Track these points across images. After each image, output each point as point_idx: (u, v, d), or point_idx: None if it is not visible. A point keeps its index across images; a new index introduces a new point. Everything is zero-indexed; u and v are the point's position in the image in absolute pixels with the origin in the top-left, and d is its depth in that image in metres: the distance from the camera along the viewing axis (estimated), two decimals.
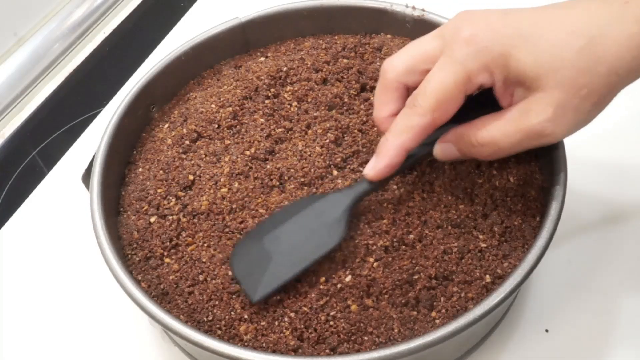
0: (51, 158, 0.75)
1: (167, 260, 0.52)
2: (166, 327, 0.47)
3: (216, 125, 0.58)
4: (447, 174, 0.53)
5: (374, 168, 0.48)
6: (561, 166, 0.52)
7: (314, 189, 0.53)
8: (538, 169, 0.55)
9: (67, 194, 0.70)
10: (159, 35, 0.87)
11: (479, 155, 0.48)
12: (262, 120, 0.58)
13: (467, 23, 0.45)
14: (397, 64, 0.48)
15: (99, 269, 0.62)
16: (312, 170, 0.54)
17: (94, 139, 0.75)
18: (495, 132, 0.46)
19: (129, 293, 0.48)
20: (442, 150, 0.49)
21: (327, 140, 0.56)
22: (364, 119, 0.57)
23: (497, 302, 0.46)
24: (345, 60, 0.62)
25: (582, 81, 0.42)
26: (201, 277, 0.51)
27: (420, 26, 0.63)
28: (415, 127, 0.46)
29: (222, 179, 0.54)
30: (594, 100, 0.43)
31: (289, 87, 0.60)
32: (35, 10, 0.88)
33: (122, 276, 0.49)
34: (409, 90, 0.49)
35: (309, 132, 0.57)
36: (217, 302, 0.49)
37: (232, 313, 0.49)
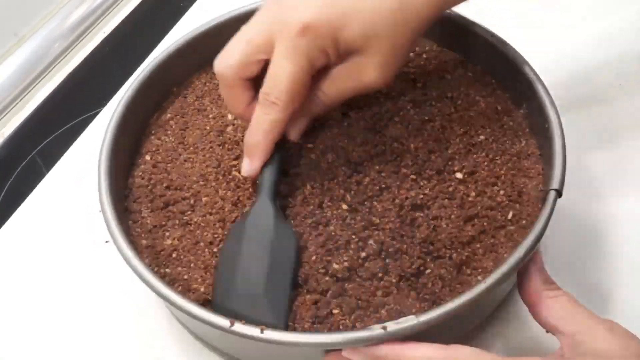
0: (51, 158, 0.74)
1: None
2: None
3: None
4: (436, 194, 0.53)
5: (250, 168, 0.52)
6: (560, 162, 0.52)
7: None
8: (541, 169, 0.55)
9: (66, 194, 0.70)
10: (158, 35, 0.87)
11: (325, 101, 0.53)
12: None
13: (292, 10, 0.48)
14: (231, 64, 0.51)
15: (98, 269, 0.63)
16: None
17: (93, 139, 0.75)
18: (333, 91, 0.51)
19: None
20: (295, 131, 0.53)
21: None
22: None
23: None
24: None
25: (398, 42, 0.50)
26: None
27: None
28: (279, 122, 0.50)
29: None
30: (407, 52, 0.52)
31: None
32: (35, 10, 0.88)
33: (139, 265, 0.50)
34: (251, 80, 0.51)
35: None
36: None
37: None
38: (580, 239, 0.62)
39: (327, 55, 0.49)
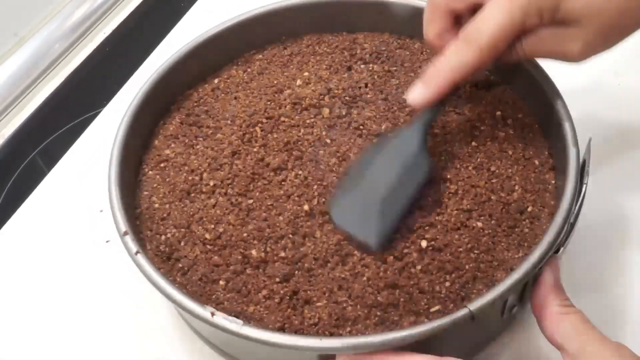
0: (51, 158, 0.75)
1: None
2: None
3: None
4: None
5: (422, 95, 0.51)
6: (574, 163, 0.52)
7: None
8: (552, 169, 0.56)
9: (67, 195, 0.70)
10: (159, 36, 0.87)
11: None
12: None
13: None
14: None
15: (98, 270, 0.63)
16: None
17: (94, 139, 0.75)
18: (531, 49, 0.50)
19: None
20: None
21: None
22: None
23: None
24: None
25: (616, 27, 0.48)
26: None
27: None
28: (468, 63, 0.49)
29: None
30: (622, 37, 0.49)
31: None
32: (36, 10, 0.89)
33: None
34: (454, 15, 0.51)
35: None
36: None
37: None
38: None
39: (541, 18, 0.48)
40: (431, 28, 0.53)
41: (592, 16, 0.47)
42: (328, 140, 0.57)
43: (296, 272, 0.50)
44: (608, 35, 0.48)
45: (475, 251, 0.50)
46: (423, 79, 0.51)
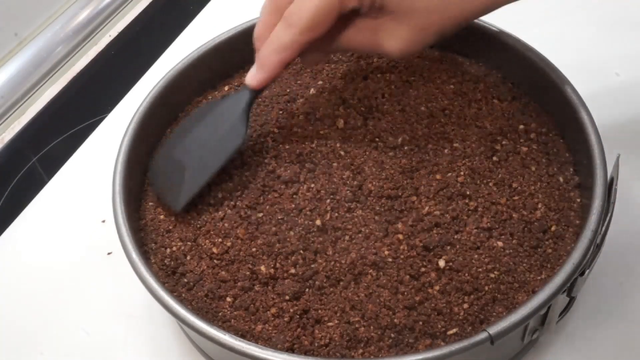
0: (52, 166, 0.75)
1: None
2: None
3: None
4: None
5: (256, 78, 0.54)
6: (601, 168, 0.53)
7: None
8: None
9: (68, 204, 0.71)
10: (167, 40, 0.88)
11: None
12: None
13: None
14: None
15: (99, 283, 0.63)
16: None
17: (98, 146, 0.76)
18: (350, 41, 0.53)
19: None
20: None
21: None
22: None
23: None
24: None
25: (436, 21, 0.50)
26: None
27: None
28: (292, 45, 0.51)
29: None
30: (438, 36, 0.51)
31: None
32: (39, 11, 0.89)
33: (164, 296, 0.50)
34: None
35: None
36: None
37: None
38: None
39: (360, 0, 0.50)
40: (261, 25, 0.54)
41: (414, 8, 0.49)
42: (342, 153, 0.57)
43: (307, 289, 0.50)
44: (430, 28, 0.50)
45: (496, 272, 0.50)
46: (257, 62, 0.53)
